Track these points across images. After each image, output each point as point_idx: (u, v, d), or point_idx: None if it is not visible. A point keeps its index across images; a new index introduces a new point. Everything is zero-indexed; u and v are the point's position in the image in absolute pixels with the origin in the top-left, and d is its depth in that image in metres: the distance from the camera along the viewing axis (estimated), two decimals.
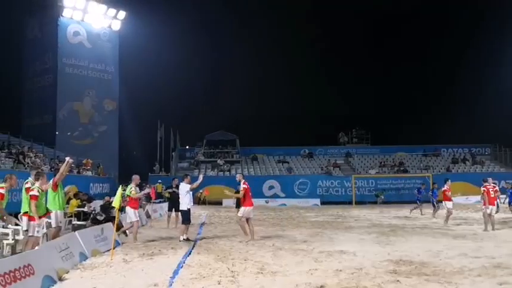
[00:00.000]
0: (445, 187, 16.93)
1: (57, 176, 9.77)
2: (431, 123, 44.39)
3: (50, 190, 9.55)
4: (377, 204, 32.34)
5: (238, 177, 13.17)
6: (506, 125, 37.34)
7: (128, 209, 11.87)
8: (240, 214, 12.70)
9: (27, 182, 9.40)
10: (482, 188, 14.79)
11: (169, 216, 16.65)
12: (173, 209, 16.06)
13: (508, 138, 38.73)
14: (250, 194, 12.79)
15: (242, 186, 12.74)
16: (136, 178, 12.42)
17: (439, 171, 37.76)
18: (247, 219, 12.67)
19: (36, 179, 9.02)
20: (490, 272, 7.72)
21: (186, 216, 12.37)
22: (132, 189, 11.96)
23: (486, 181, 15.17)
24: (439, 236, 12.80)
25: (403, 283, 6.96)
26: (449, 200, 16.74)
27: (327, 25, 47.98)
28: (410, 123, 44.59)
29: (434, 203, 20.71)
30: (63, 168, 9.94)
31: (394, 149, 41.74)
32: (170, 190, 17.03)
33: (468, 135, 40.78)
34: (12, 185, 8.93)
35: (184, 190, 12.47)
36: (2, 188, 8.63)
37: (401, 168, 38.46)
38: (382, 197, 34.09)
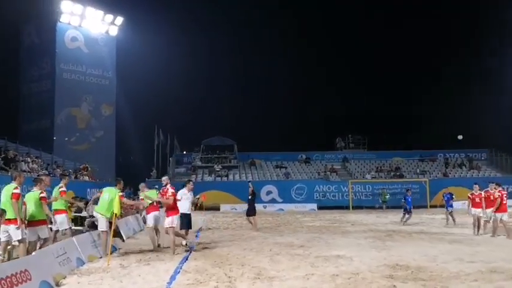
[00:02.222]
0: (473, 193, 15.10)
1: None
2: (427, 129, 44.54)
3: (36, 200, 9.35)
4: (382, 209, 31.85)
5: (165, 180, 11.71)
6: (502, 130, 37.51)
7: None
8: (168, 225, 10.80)
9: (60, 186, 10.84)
10: (497, 193, 14.05)
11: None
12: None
13: (504, 143, 38.92)
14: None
15: (170, 190, 11.12)
16: (142, 186, 13.16)
17: (436, 176, 37.86)
18: (161, 228, 11.34)
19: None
20: (486, 276, 7.76)
21: (187, 221, 12.29)
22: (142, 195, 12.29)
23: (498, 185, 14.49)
24: (435, 241, 12.83)
25: None
26: (478, 206, 14.59)
27: (327, 28, 48.25)
28: (406, 129, 44.74)
29: (407, 208, 19.19)
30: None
31: (390, 154, 41.82)
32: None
33: (465, 140, 40.91)
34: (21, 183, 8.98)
35: (184, 195, 12.34)
36: (16, 188, 8.53)
37: (398, 173, 38.54)
38: (388, 197, 33.03)
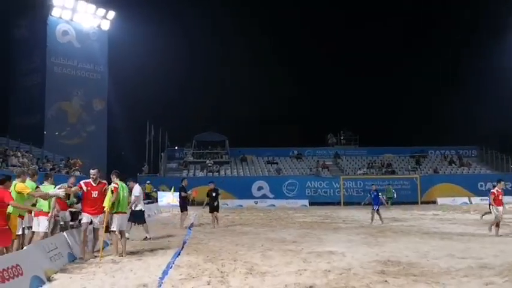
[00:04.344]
0: (497, 189, 13.77)
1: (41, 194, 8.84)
2: (418, 125, 44.76)
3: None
4: (388, 206, 28.22)
5: (94, 172, 9.70)
6: (492, 127, 37.80)
7: None
8: (115, 228, 9.68)
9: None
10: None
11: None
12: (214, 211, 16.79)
13: (495, 140, 39.25)
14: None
15: (113, 185, 9.81)
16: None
17: (427, 172, 38.13)
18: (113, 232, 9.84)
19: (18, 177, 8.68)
20: (477, 272, 7.82)
21: (142, 217, 12.99)
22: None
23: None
24: (426, 237, 12.92)
25: (391, 283, 7.03)
26: (501, 204, 13.50)
27: (314, 26, 48.27)
28: (398, 125, 44.92)
29: (374, 207, 17.79)
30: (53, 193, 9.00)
31: (382, 150, 42.05)
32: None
33: (455, 136, 41.23)
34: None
35: (138, 191, 12.88)
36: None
37: (389, 170, 38.76)
38: (393, 193, 30.82)
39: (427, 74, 47.32)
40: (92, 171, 9.70)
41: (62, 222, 10.38)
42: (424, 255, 9.59)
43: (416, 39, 47.65)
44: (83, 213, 9.58)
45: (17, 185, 8.24)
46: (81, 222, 9.65)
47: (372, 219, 17.67)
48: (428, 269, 8.16)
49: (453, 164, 40.04)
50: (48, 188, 9.41)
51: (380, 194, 18.57)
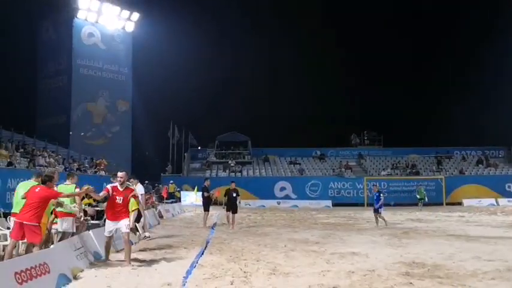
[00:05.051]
0: None
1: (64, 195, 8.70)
2: (444, 125, 44.05)
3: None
4: (418, 207, 28.38)
5: (122, 175, 9.05)
6: None
7: None
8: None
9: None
10: None
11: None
12: (231, 210, 16.31)
13: None
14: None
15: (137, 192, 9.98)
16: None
17: (452, 173, 37.50)
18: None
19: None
20: (505, 275, 7.66)
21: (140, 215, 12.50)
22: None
23: None
24: (452, 239, 12.70)
25: (416, 285, 6.94)
26: None
27: (340, 27, 47.87)
28: (423, 125, 44.30)
29: (377, 208, 17.31)
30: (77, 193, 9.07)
31: (406, 151, 41.49)
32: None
33: (481, 137, 40.44)
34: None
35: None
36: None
37: (414, 170, 38.25)
38: (424, 193, 29.50)
39: (453, 73, 46.56)
40: (119, 173, 9.08)
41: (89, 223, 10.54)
42: (449, 257, 9.44)
43: (441, 38, 47.01)
44: (106, 220, 8.98)
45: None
46: (105, 231, 8.98)
47: (377, 222, 17.16)
48: (454, 271, 8.03)
49: (480, 165, 39.28)
50: (68, 188, 9.18)
51: (381, 195, 17.70)
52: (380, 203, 17.31)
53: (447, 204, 32.63)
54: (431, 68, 46.56)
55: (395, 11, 47.76)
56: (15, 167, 20.54)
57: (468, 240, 12.50)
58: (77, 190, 9.08)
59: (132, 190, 9.27)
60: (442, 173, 36.83)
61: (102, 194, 8.90)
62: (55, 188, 8.65)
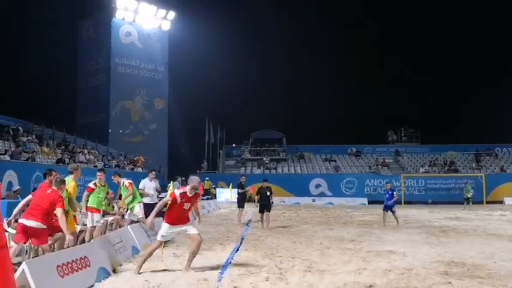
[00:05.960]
0: None
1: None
2: (484, 122, 42.86)
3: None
4: (463, 205, 26.58)
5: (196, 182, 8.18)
6: None
7: None
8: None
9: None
10: None
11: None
12: (264, 210, 15.25)
13: None
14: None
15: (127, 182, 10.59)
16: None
17: (493, 171, 36.42)
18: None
19: (71, 172, 8.94)
20: None
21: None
22: None
23: None
24: (492, 238, 12.36)
25: (455, 285, 6.80)
26: None
27: (381, 24, 47.25)
28: (462, 122, 43.23)
29: (388, 205, 16.75)
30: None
31: (444, 148, 40.58)
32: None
33: None
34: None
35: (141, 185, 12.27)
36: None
37: (452, 168, 37.36)
38: (471, 191, 27.31)
39: (492, 68, 45.23)
40: (194, 180, 8.01)
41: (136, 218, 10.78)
42: (490, 257, 9.19)
43: (479, 32, 45.72)
44: (164, 224, 7.97)
45: (70, 184, 8.49)
46: (158, 235, 8.09)
47: (384, 221, 16.57)
48: (495, 271, 7.81)
49: None
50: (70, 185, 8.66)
51: (395, 193, 17.08)
52: (393, 200, 16.81)
53: (487, 202, 31.71)
54: (472, 63, 45.35)
55: (441, 7, 46.71)
56: (64, 162, 21.05)
57: (510, 239, 12.13)
58: (110, 193, 9.40)
59: (199, 195, 8.65)
60: (482, 171, 35.82)
61: (167, 199, 8.08)
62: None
